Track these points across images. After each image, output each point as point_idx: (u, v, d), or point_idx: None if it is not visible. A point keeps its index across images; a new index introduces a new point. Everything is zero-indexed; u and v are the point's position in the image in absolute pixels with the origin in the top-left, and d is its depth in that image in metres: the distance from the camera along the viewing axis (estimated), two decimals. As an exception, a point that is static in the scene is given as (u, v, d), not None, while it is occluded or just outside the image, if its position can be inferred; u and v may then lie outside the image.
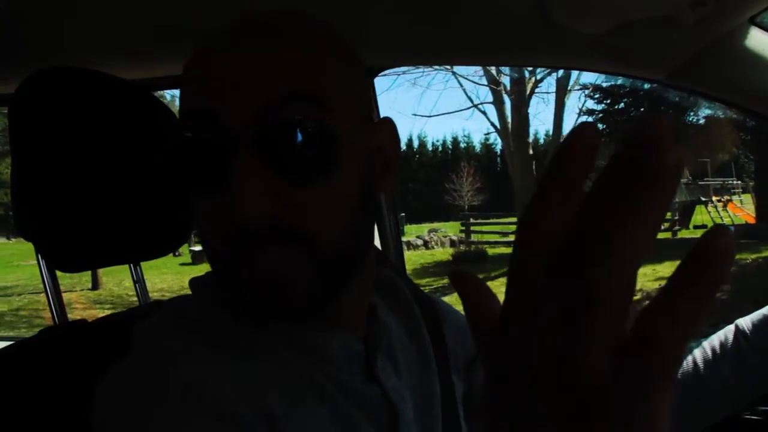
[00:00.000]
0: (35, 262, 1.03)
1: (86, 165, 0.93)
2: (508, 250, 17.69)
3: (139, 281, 1.20)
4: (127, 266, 1.16)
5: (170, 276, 16.78)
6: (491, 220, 23.19)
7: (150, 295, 1.27)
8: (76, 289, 14.92)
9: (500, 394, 0.33)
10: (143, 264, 1.20)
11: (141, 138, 0.99)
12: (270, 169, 0.61)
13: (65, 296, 1.07)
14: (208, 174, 0.63)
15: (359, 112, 0.71)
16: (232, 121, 0.61)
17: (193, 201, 0.67)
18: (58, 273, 1.02)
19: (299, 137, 0.61)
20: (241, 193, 0.59)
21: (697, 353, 1.01)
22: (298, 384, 0.68)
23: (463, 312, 0.38)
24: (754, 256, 12.67)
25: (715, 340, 1.01)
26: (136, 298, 1.23)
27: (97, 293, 14.71)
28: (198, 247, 21.25)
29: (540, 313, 0.30)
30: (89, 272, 14.85)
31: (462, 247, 19.17)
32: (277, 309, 0.65)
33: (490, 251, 17.73)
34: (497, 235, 20.64)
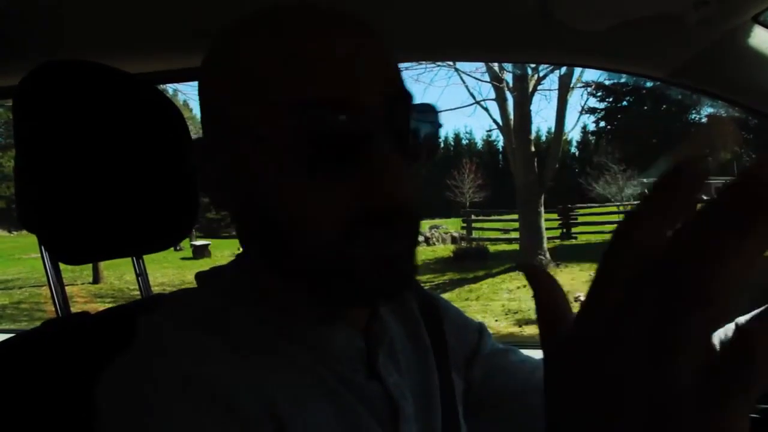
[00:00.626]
0: (36, 255, 1.04)
1: (90, 158, 0.93)
2: (509, 247, 17.71)
3: (141, 274, 1.21)
4: (128, 260, 1.16)
5: (171, 270, 16.81)
6: (492, 217, 23.19)
7: (151, 289, 1.27)
8: (77, 282, 14.93)
9: (567, 398, 0.33)
10: (145, 258, 1.20)
11: (145, 131, 0.99)
12: (401, 153, 0.63)
13: (66, 289, 1.07)
14: (341, 158, 0.62)
15: None
16: (370, 106, 0.62)
17: (290, 188, 0.64)
18: (60, 266, 1.03)
19: (422, 125, 0.66)
20: (388, 175, 0.61)
21: None
22: (303, 379, 0.68)
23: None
24: (755, 255, 12.66)
25: (714, 339, 1.01)
26: (137, 292, 1.23)
27: (98, 287, 14.72)
28: (199, 242, 21.30)
29: (627, 321, 0.30)
30: (90, 266, 14.87)
31: (463, 244, 19.18)
32: (393, 287, 0.66)
33: (491, 248, 17.76)
34: (498, 232, 20.65)
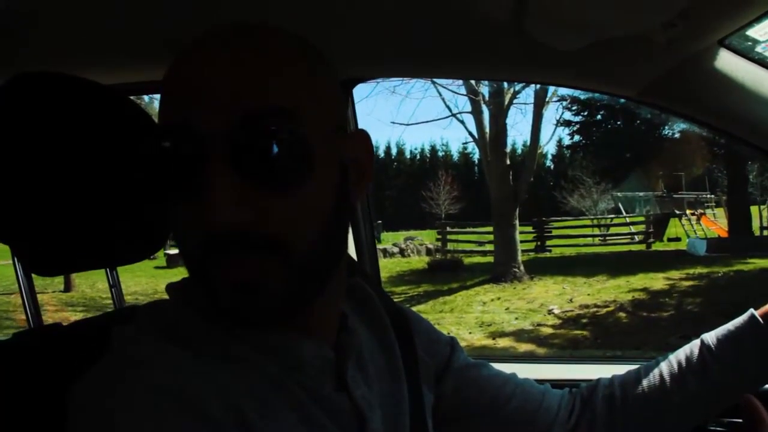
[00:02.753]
0: (5, 262, 1.03)
1: (63, 169, 0.93)
2: (484, 259, 17.76)
3: (115, 285, 1.20)
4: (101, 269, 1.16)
5: (144, 279, 16.63)
6: (468, 229, 23.25)
7: (124, 298, 1.27)
8: (47, 290, 14.71)
9: None
10: (119, 268, 1.20)
11: (118, 143, 0.99)
12: (242, 178, 0.63)
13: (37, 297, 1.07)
14: (183, 182, 0.65)
15: (333, 123, 0.73)
16: (205, 132, 0.63)
17: (170, 206, 0.68)
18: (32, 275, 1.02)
19: (270, 147, 0.64)
20: (212, 203, 0.61)
21: (663, 366, 1.03)
22: (270, 389, 0.69)
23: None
24: (725, 270, 12.84)
25: (681, 353, 1.03)
26: (109, 301, 1.23)
27: (70, 295, 14.55)
28: (173, 251, 21.05)
29: None
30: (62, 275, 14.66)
31: (438, 256, 19.21)
32: (248, 311, 0.66)
33: (466, 260, 17.80)
34: (473, 244, 20.71)
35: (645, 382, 1.02)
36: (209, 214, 0.61)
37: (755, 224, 21.07)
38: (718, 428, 1.51)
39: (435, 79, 13.55)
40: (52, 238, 0.93)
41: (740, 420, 1.00)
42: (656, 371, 1.03)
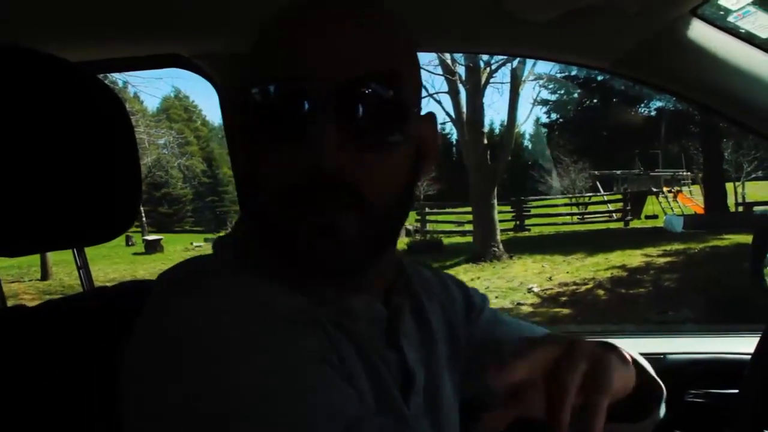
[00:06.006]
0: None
1: (25, 148, 0.91)
2: (464, 239, 17.83)
3: (83, 267, 1.18)
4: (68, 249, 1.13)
5: (123, 266, 16.49)
6: (447, 210, 23.33)
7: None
8: (24, 279, 14.53)
9: None
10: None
11: (83, 121, 0.97)
12: (346, 133, 0.68)
13: (12, 286, 1.04)
14: (291, 126, 0.69)
15: (417, 98, 0.79)
16: (320, 90, 0.68)
17: (254, 151, 0.73)
18: (2, 260, 1.00)
19: (374, 108, 0.70)
20: (323, 146, 0.67)
21: None
22: (331, 327, 0.74)
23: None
24: (701, 246, 12.99)
25: None
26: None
27: (47, 284, 14.35)
28: (151, 237, 21.03)
29: None
30: (38, 262, 14.51)
31: (418, 237, 19.25)
32: (325, 255, 0.70)
33: (446, 240, 17.87)
34: (453, 224, 20.79)
35: None
36: (317, 156, 0.67)
37: (731, 201, 21.34)
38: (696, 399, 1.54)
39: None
40: (17, 218, 0.91)
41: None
42: None
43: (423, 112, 0.80)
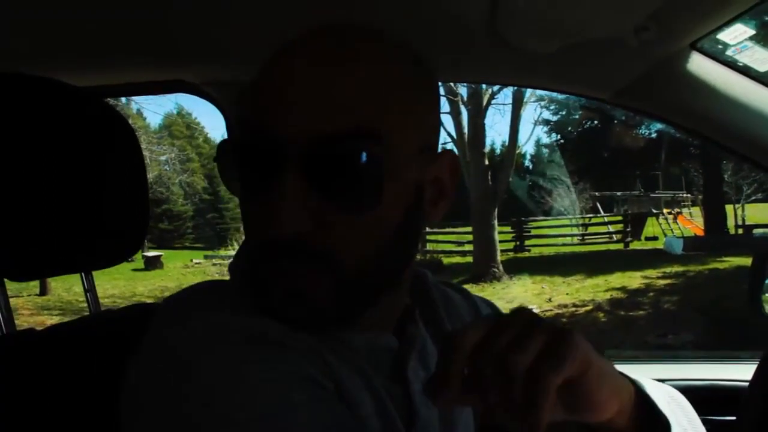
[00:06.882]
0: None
1: (36, 173, 0.92)
2: (464, 259, 17.77)
3: (90, 290, 1.19)
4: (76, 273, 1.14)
5: (122, 282, 16.45)
6: (447, 230, 23.26)
7: (100, 301, 1.25)
8: (22, 294, 14.45)
9: None
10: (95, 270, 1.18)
11: (92, 146, 0.98)
12: (312, 189, 0.64)
13: (11, 301, 1.05)
14: (258, 179, 0.66)
15: (419, 143, 0.71)
16: (288, 141, 0.63)
17: (243, 199, 0.71)
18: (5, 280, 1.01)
19: (343, 168, 0.64)
20: (279, 210, 0.63)
21: None
22: (330, 355, 0.70)
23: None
24: (701, 268, 12.96)
25: None
26: (86, 305, 1.21)
27: (45, 299, 14.31)
28: (151, 253, 20.91)
29: None
30: (38, 277, 14.41)
31: (418, 256, 19.14)
32: (296, 315, 0.67)
33: (446, 260, 17.81)
34: (453, 244, 20.72)
35: None
36: (275, 221, 0.63)
37: (730, 223, 21.31)
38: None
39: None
40: (25, 242, 0.92)
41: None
42: None
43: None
